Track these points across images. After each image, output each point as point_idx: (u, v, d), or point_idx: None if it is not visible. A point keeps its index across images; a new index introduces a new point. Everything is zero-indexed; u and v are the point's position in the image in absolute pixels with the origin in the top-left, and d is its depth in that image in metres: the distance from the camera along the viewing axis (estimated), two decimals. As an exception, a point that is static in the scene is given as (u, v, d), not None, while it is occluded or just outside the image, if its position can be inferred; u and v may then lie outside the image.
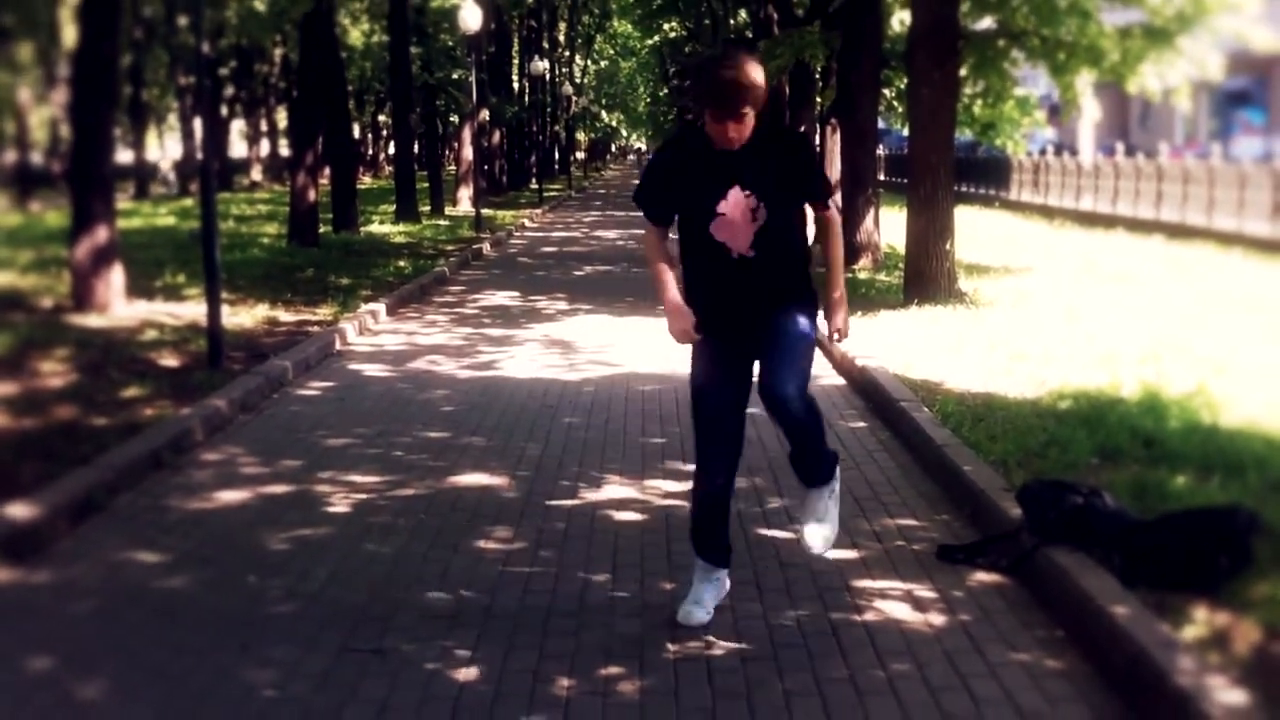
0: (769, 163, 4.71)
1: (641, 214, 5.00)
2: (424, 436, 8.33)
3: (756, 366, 4.99)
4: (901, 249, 14.74)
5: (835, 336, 5.21)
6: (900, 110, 20.87)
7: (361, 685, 4.44)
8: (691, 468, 7.40)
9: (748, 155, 4.69)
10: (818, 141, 24.31)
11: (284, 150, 53.02)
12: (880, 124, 21.70)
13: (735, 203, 4.69)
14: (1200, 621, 4.51)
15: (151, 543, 6.04)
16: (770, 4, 28.11)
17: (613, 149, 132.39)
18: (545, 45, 57.99)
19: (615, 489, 7.04)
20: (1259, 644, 4.32)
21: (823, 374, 10.60)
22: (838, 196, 4.84)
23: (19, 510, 5.95)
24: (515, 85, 51.09)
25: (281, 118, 56.49)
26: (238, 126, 58.38)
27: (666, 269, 4.91)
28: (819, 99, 23.96)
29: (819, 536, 5.01)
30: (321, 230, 22.13)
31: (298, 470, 7.41)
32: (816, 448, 5.03)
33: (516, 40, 52.27)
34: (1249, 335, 10.88)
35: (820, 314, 5.06)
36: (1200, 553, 4.89)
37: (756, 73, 4.58)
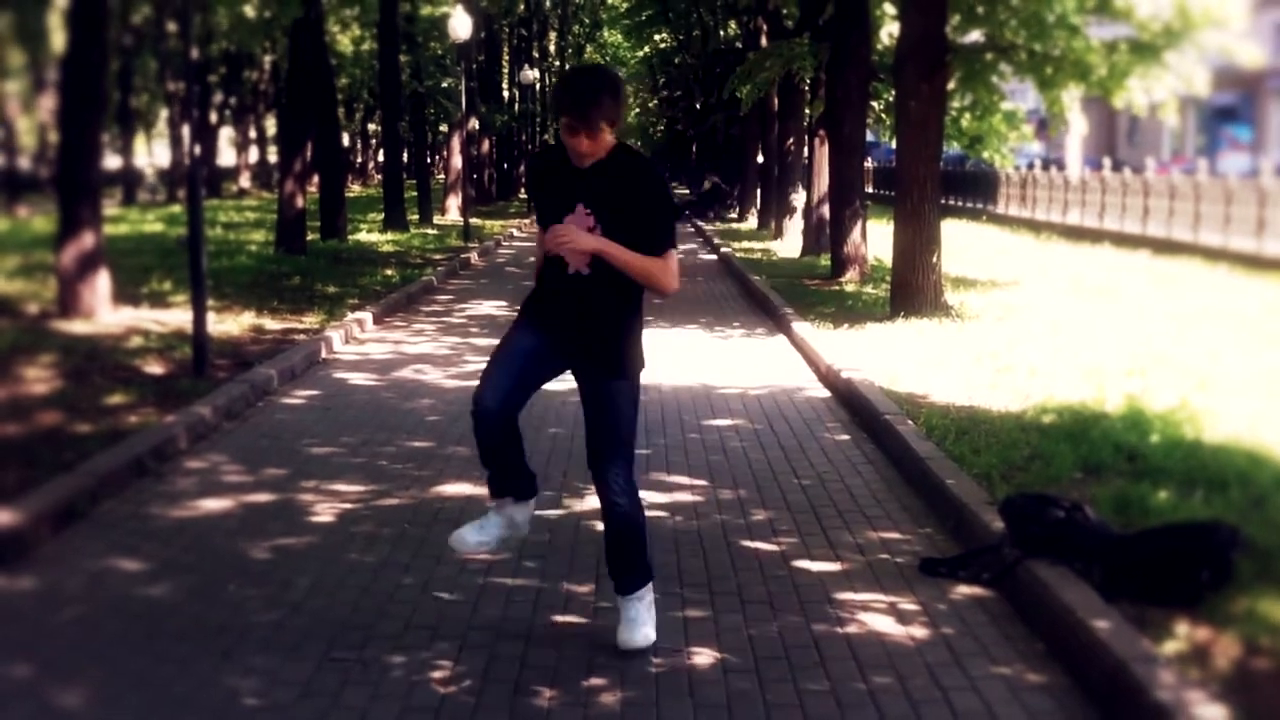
0: (615, 191, 4.61)
1: None
2: (409, 446, 8.32)
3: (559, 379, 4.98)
4: (888, 262, 14.77)
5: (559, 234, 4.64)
6: (888, 123, 20.89)
7: (343, 694, 4.44)
8: (676, 478, 7.45)
9: (596, 175, 4.62)
10: (805, 153, 24.41)
11: (272, 157, 53.03)
12: (868, 136, 21.75)
13: (579, 219, 4.62)
14: (1181, 636, 4.53)
15: (134, 550, 6.02)
16: (760, 16, 28.24)
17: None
18: (535, 54, 58.03)
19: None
20: (1239, 659, 4.34)
21: (807, 386, 10.63)
22: (674, 259, 4.57)
23: (1, 516, 5.93)
24: (505, 94, 51.12)
25: (270, 125, 56.50)
26: (226, 133, 58.35)
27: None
28: (807, 111, 24.03)
29: (636, 634, 4.81)
30: (309, 238, 22.11)
31: (281, 479, 7.40)
32: (632, 548, 4.88)
33: (506, 49, 52.32)
34: (1233, 350, 10.92)
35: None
36: (1181, 567, 4.91)
37: (613, 90, 4.55)
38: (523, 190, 47.54)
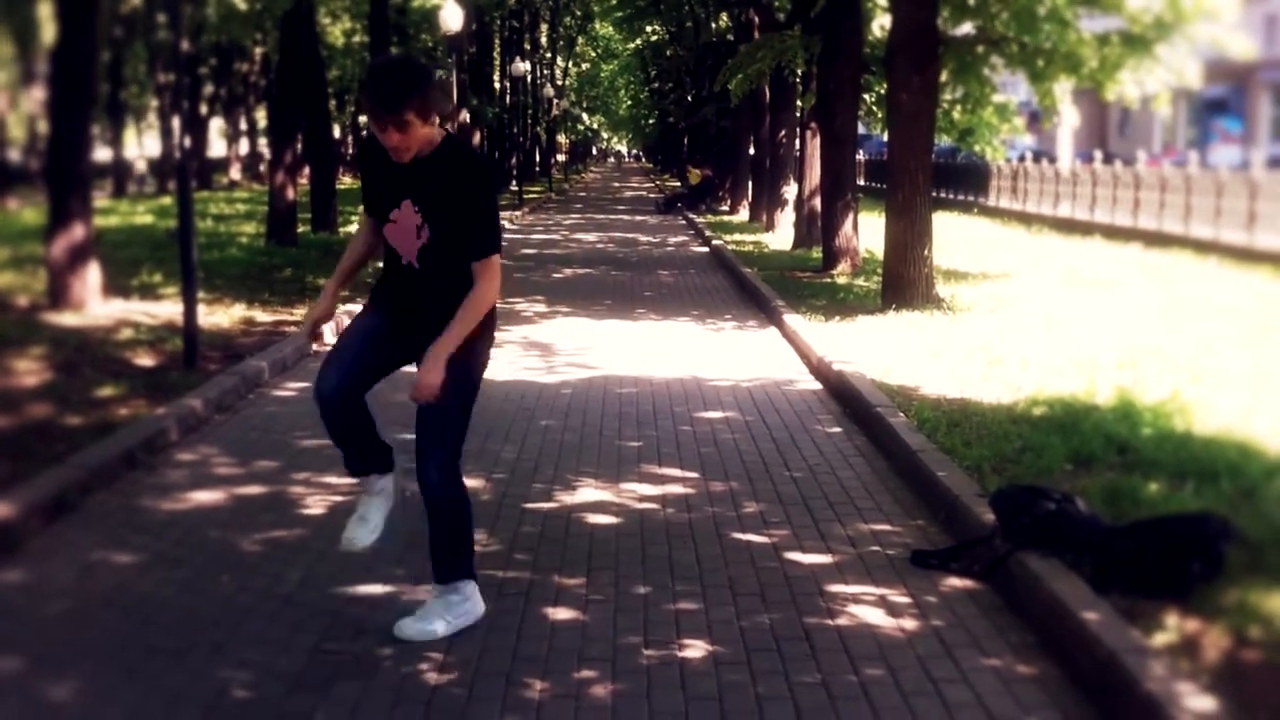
0: (443, 187, 4.54)
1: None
2: (399, 438, 8.27)
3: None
4: (880, 254, 14.78)
5: (418, 391, 4.68)
6: (880, 115, 20.88)
7: (334, 687, 4.44)
8: (667, 471, 7.46)
9: (422, 172, 4.55)
10: (798, 146, 24.40)
11: (263, 149, 52.88)
12: (860, 129, 21.75)
13: (406, 214, 4.60)
14: (1171, 628, 4.54)
15: (124, 543, 6.01)
16: (751, 8, 28.19)
17: (594, 151, 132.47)
18: (527, 47, 57.97)
19: (591, 492, 7.04)
20: (1229, 650, 4.35)
21: (799, 378, 10.64)
22: (496, 261, 4.51)
23: (-9, 509, 5.92)
24: (496, 86, 51.05)
25: (261, 116, 56.29)
26: (217, 125, 58.20)
27: (349, 262, 4.92)
28: (799, 103, 24.01)
29: (410, 625, 4.84)
30: (300, 230, 22.06)
31: (273, 471, 7.39)
32: (448, 541, 4.88)
33: (498, 41, 52.24)
34: (1224, 342, 10.94)
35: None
36: (1172, 559, 4.92)
37: (418, 82, 4.44)
38: (513, 183, 47.46)
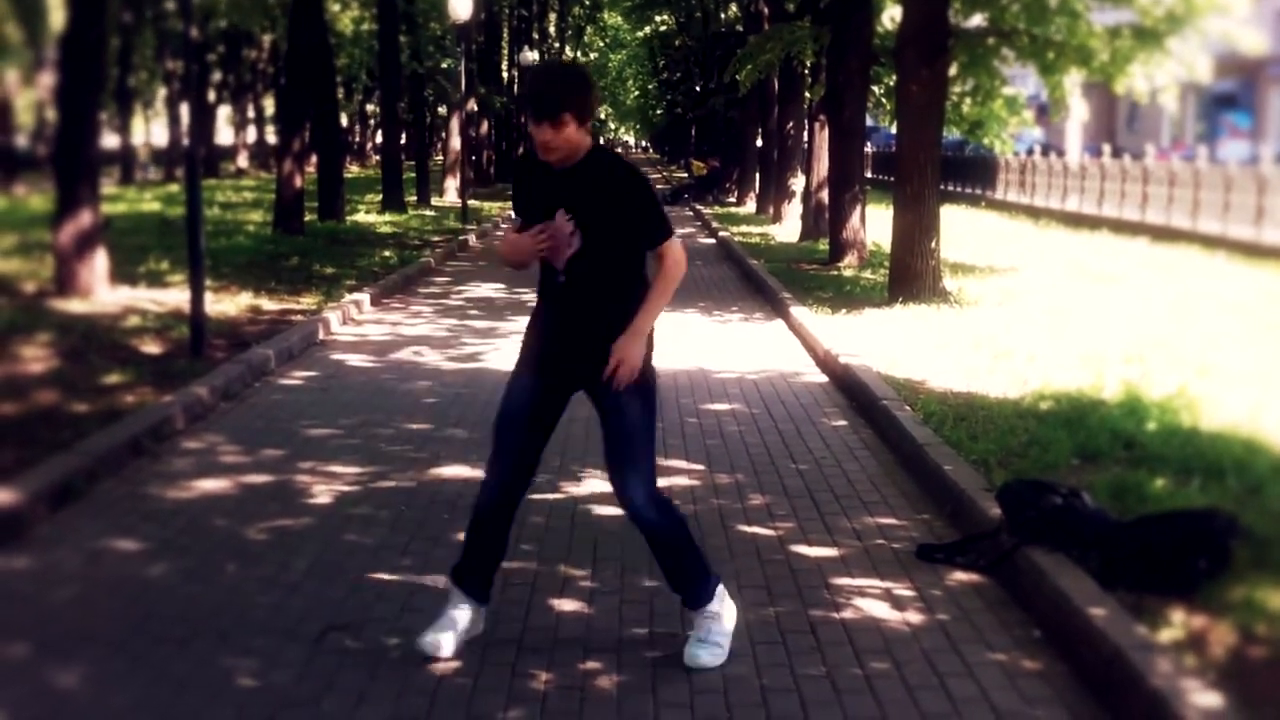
0: (596, 193, 4.56)
1: None
2: (406, 428, 8.32)
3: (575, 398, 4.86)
4: (887, 247, 14.76)
5: (608, 377, 4.57)
6: (888, 107, 20.85)
7: (340, 676, 4.44)
8: (673, 463, 7.45)
9: (575, 178, 4.58)
10: (805, 137, 24.37)
11: (271, 137, 52.89)
12: (868, 121, 21.70)
13: (559, 224, 4.60)
14: (1177, 624, 4.54)
15: (131, 530, 6.02)
16: (761, -1, 28.13)
17: (601, 141, 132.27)
18: (535, 36, 57.87)
19: (596, 483, 7.03)
20: (1235, 647, 4.35)
21: (805, 371, 10.63)
22: (675, 242, 4.58)
23: (-2, 496, 5.93)
24: (504, 76, 50.99)
25: (269, 104, 56.39)
26: (225, 112, 58.23)
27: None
28: (808, 95, 23.99)
29: (703, 655, 4.61)
30: (307, 219, 22.06)
31: (279, 460, 7.40)
32: (681, 560, 4.72)
33: (506, 30, 52.14)
34: (1231, 338, 10.92)
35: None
36: (1178, 555, 4.91)
37: (579, 84, 4.52)
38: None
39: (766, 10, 27.17)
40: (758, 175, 32.71)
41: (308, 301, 13.38)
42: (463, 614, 4.68)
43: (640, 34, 59.94)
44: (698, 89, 48.57)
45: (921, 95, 13.24)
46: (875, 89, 21.32)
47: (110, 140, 37.45)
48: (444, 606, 4.74)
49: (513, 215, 4.97)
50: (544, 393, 4.74)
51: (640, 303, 4.60)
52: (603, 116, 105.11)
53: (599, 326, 4.59)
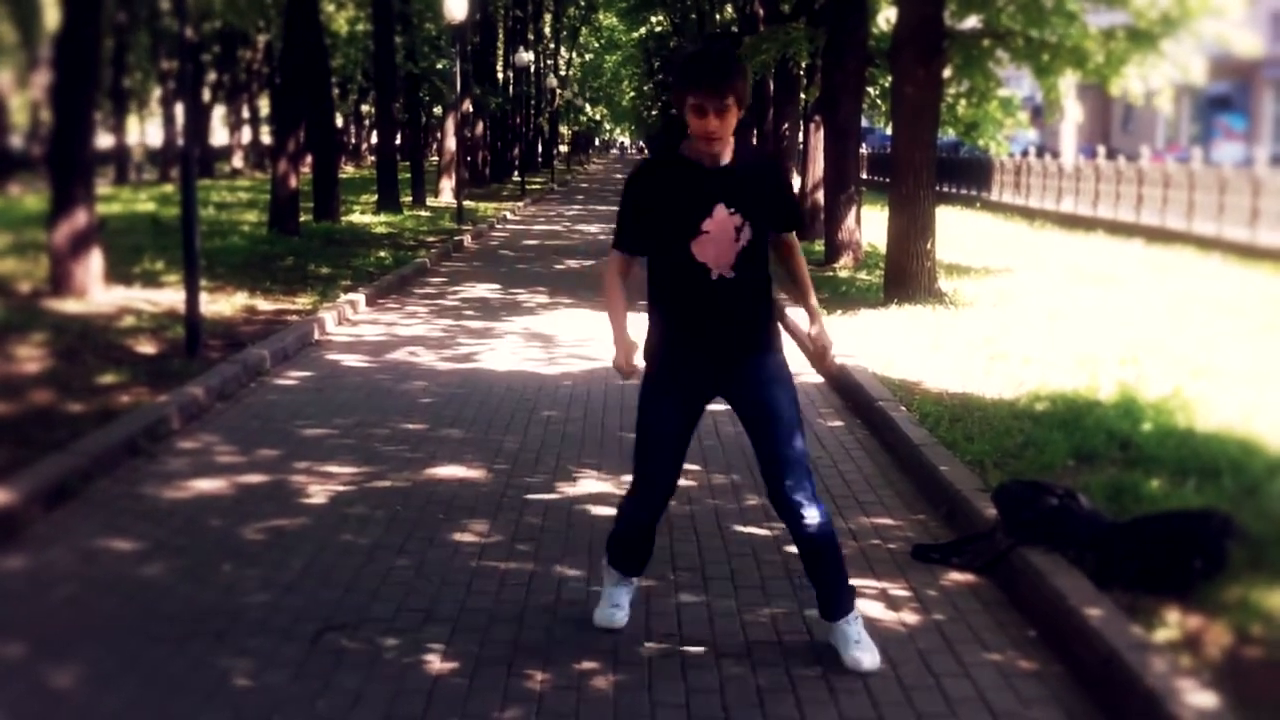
0: (751, 184, 4.53)
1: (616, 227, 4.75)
2: (402, 428, 8.32)
3: (714, 409, 4.88)
4: (882, 248, 14.77)
5: (822, 352, 4.86)
6: (884, 109, 20.91)
7: (335, 676, 4.44)
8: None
9: (731, 173, 4.50)
10: (800, 138, 24.38)
11: (266, 138, 52.85)
12: (864, 122, 21.72)
13: (720, 221, 4.47)
14: (1173, 624, 4.54)
15: (126, 530, 6.02)
16: (756, 0, 28.13)
17: (596, 143, 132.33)
18: (531, 37, 57.91)
19: (592, 483, 7.04)
20: (1231, 647, 4.35)
21: (801, 372, 10.61)
22: None
23: (-7, 496, 5.92)
24: (500, 76, 50.99)
25: (264, 105, 56.30)
26: (220, 113, 58.16)
27: (622, 301, 4.68)
28: (803, 96, 23.98)
29: (867, 657, 4.55)
30: (302, 219, 22.05)
31: (274, 460, 7.39)
32: (841, 564, 4.68)
33: (502, 31, 52.17)
34: (1226, 339, 10.93)
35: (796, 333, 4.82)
36: (1174, 555, 4.91)
37: (741, 68, 4.44)
38: (515, 174, 47.43)
39: (762, 11, 27.16)
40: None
41: (303, 302, 13.37)
42: (626, 590, 4.94)
43: (635, 35, 59.99)
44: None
45: (917, 96, 13.25)
46: (871, 90, 21.34)
47: (105, 140, 37.43)
48: (605, 586, 4.95)
49: (615, 250, 4.70)
50: (689, 406, 4.68)
51: (773, 300, 4.69)
52: (598, 117, 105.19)
53: (756, 321, 4.63)
